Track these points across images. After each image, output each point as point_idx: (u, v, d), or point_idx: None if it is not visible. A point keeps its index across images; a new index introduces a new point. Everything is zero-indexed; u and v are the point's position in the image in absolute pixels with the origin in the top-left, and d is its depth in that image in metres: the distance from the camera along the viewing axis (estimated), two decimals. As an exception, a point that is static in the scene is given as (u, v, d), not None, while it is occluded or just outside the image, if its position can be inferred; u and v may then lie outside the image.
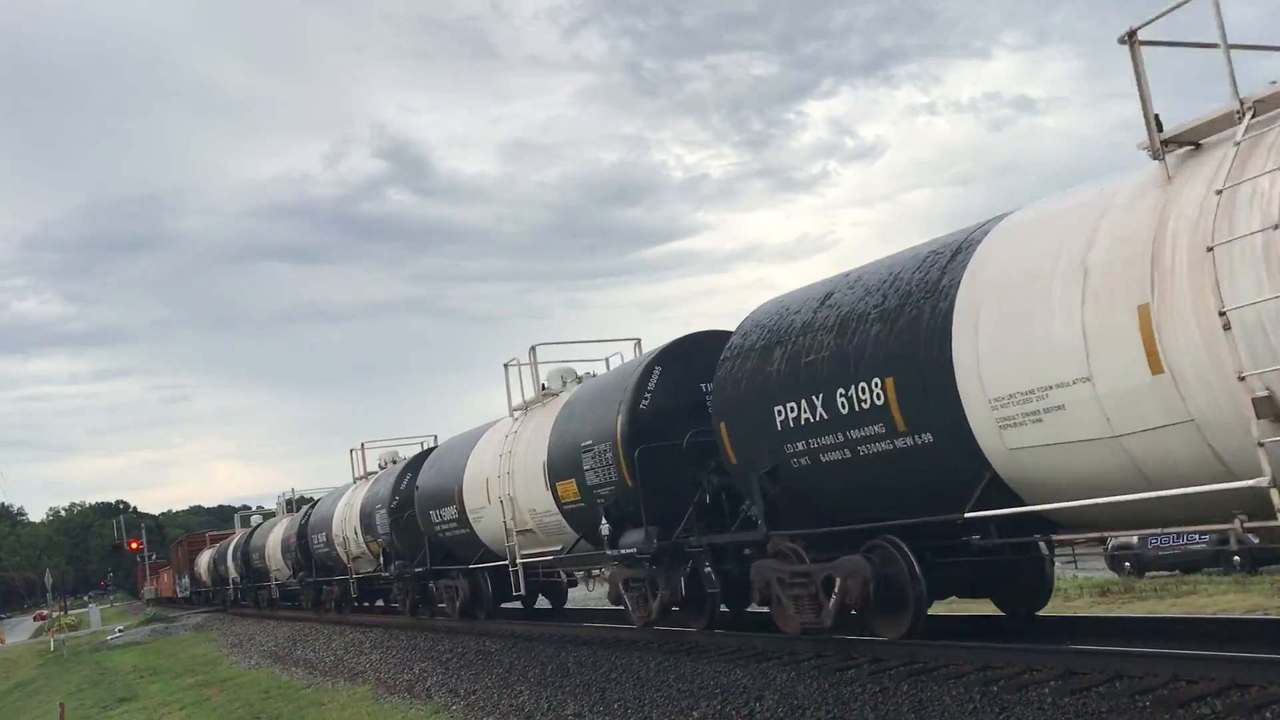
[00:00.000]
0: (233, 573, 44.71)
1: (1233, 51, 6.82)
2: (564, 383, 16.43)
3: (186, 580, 62.64)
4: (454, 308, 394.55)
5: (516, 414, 17.22)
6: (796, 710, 8.35)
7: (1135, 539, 21.74)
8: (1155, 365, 6.77)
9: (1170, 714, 6.49)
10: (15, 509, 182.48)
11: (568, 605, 21.33)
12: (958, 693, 7.84)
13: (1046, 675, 7.86)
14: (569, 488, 14.24)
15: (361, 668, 16.69)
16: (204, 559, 55.86)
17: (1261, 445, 6.26)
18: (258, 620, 35.27)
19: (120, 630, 47.50)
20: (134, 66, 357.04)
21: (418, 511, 20.60)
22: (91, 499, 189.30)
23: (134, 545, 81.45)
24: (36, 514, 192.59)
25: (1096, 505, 7.55)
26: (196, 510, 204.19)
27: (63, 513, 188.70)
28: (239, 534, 46.04)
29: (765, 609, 11.19)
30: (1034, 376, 7.57)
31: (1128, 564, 23.03)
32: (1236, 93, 6.87)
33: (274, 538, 36.01)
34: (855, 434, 9.32)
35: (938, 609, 10.90)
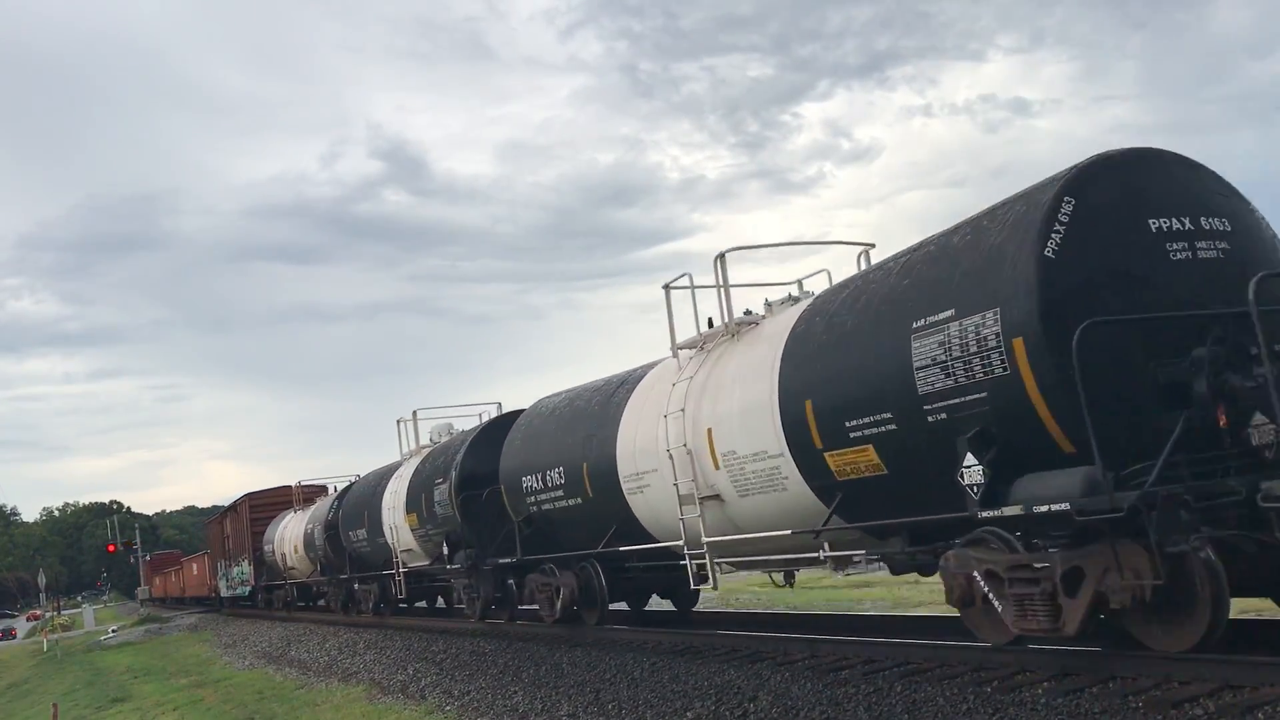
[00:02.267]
0: (388, 538, 21.60)
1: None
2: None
3: (245, 569, 38.63)
4: (450, 308, 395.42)
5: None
6: (790, 710, 8.35)
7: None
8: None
9: (1163, 715, 6.50)
10: (9, 509, 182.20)
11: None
12: (951, 693, 7.85)
13: (1040, 676, 7.87)
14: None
15: (355, 668, 16.67)
16: (286, 533, 32.08)
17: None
18: (252, 621, 35.16)
19: (114, 630, 47.43)
20: (131, 66, 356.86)
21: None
22: (86, 499, 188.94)
23: (129, 545, 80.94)
24: (30, 514, 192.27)
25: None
26: (191, 510, 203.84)
27: (56, 513, 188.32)
28: (397, 472, 21.61)
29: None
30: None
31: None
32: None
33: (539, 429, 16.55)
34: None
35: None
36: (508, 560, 16.24)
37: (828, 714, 8.06)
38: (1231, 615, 7.50)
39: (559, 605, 14.81)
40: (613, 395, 13.92)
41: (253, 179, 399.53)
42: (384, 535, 21.82)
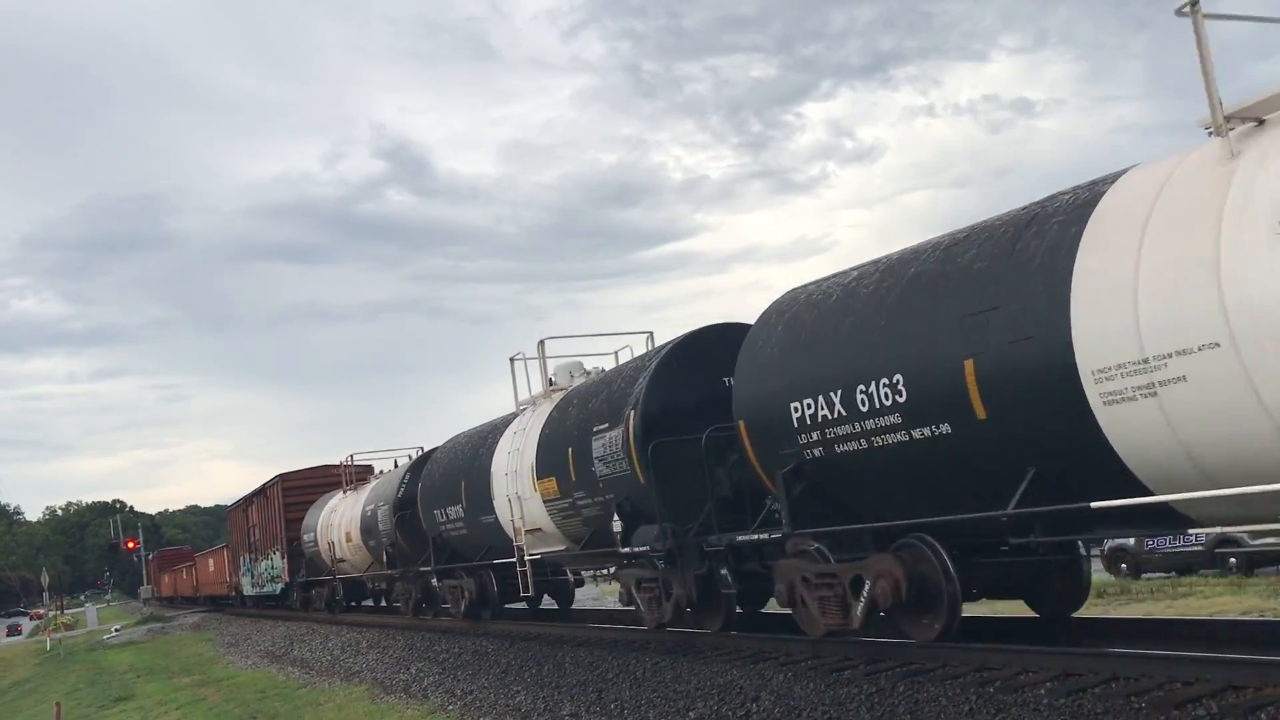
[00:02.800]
0: (503, 516, 16.31)
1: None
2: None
3: (276, 563, 32.91)
4: (453, 308, 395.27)
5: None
6: (793, 711, 8.35)
7: (1131, 540, 21.80)
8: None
9: (1166, 715, 6.50)
10: (12, 508, 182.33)
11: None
12: (954, 694, 7.85)
13: (1042, 676, 7.87)
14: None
15: (358, 668, 16.68)
16: (334, 518, 26.68)
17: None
18: (254, 620, 35.21)
19: (117, 629, 47.50)
20: (134, 66, 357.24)
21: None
22: (88, 498, 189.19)
23: (130, 545, 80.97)
24: (33, 513, 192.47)
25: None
26: (193, 510, 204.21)
27: (59, 512, 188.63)
28: (512, 426, 16.67)
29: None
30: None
31: (1124, 565, 23.04)
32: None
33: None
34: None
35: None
36: (761, 536, 10.76)
37: (830, 714, 8.07)
38: (1230, 617, 7.47)
39: (860, 608, 9.44)
40: (1019, 239, 8.04)
41: (256, 178, 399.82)
42: (494, 512, 16.45)
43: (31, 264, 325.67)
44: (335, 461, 29.94)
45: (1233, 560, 20.67)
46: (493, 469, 16.62)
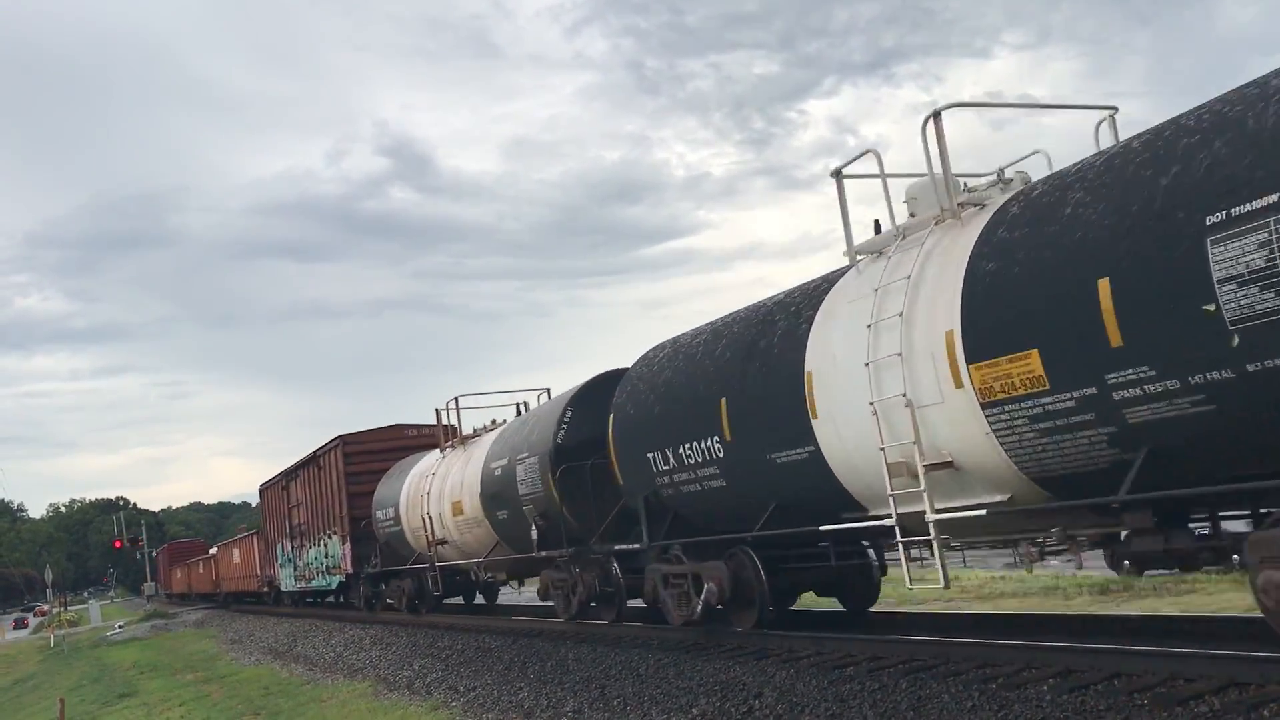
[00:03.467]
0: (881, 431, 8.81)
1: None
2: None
3: (334, 549, 26.03)
4: (456, 305, 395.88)
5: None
6: (796, 708, 8.35)
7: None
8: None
9: (1168, 712, 6.50)
10: (15, 505, 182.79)
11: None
12: (956, 690, 7.85)
13: (1045, 673, 7.88)
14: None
15: (361, 664, 16.69)
16: (432, 486, 19.60)
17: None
18: (257, 616, 35.26)
19: (121, 626, 47.58)
20: (137, 64, 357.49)
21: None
22: (92, 495, 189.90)
23: (137, 542, 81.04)
24: (37, 510, 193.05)
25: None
26: (196, 507, 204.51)
27: (63, 509, 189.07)
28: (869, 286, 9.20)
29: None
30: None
31: (1127, 562, 22.96)
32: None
33: None
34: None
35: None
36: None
37: (833, 711, 8.07)
38: (1233, 614, 7.43)
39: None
40: None
41: (259, 176, 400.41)
42: (813, 442, 9.66)
43: (35, 261, 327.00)
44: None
45: (1236, 557, 20.44)
46: (810, 363, 9.70)
